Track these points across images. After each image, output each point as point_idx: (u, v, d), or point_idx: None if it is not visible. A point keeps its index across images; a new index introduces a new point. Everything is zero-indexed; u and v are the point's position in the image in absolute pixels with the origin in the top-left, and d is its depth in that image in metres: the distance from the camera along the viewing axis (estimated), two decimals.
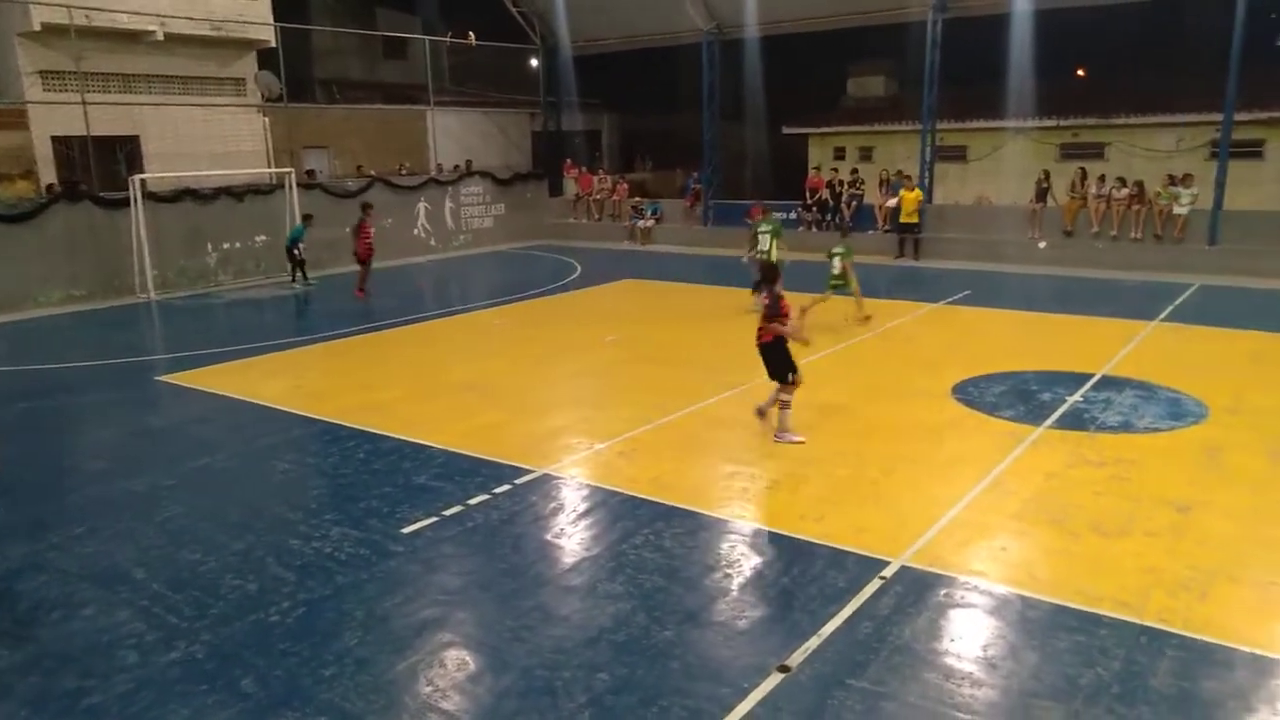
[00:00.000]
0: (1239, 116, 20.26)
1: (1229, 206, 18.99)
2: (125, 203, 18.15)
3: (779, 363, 8.81)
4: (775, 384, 8.88)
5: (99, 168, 18.99)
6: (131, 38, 19.28)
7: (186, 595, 6.00)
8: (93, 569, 6.44)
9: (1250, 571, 5.96)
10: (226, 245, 20.29)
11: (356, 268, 17.96)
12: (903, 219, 21.39)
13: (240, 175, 20.59)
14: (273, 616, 5.69)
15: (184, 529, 7.10)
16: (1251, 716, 4.52)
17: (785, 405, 8.82)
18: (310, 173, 22.65)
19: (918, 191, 21.39)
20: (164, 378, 11.90)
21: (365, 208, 18.41)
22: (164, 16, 19.28)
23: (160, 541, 6.88)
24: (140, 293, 18.46)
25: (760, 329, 8.87)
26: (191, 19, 19.69)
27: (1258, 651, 5.04)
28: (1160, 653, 5.06)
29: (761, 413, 9.10)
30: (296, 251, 19.33)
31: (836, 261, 13.81)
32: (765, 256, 14.29)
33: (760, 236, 14.84)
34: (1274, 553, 6.24)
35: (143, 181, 18.41)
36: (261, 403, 10.53)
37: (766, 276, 9.16)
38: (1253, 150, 23.42)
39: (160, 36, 19.33)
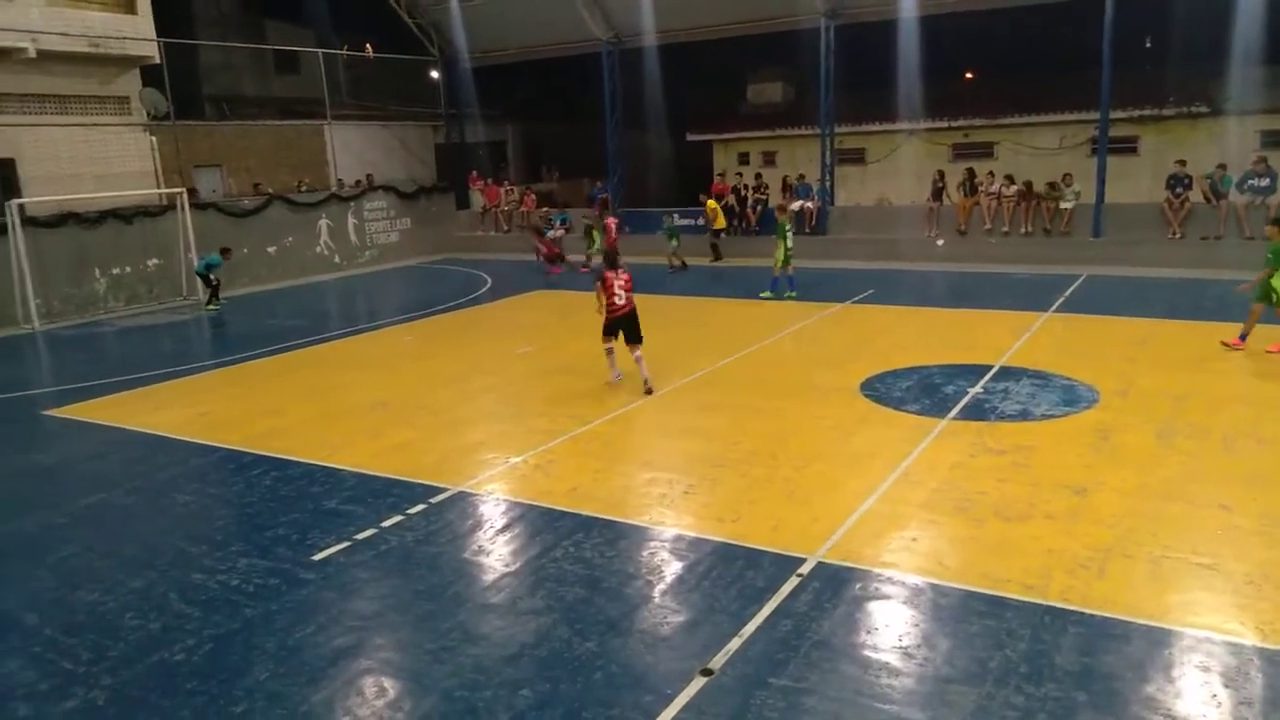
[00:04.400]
0: (1115, 115, 21.43)
1: (1109, 200, 20.01)
2: (2, 229, 17.19)
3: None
4: (633, 346, 10.79)
5: None
6: (1, 55, 18.27)
7: (83, 639, 5.70)
8: None
9: (1143, 547, 6.26)
10: (116, 270, 19.43)
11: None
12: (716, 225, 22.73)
13: (128, 197, 19.71)
14: (177, 655, 5.44)
15: (79, 569, 6.75)
16: (1148, 686, 4.75)
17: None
18: (193, 191, 21.80)
19: (713, 202, 22.93)
20: (52, 412, 11.30)
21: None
22: (36, 33, 18.30)
23: (53, 584, 6.52)
24: (24, 323, 17.50)
25: (629, 299, 10.80)
26: (66, 35, 18.75)
27: (1152, 623, 5.30)
28: (1063, 630, 5.27)
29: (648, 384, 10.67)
30: (212, 278, 18.89)
31: (790, 237, 16.66)
32: (791, 253, 16.71)
33: (789, 234, 16.64)
34: (1163, 528, 6.58)
35: (21, 206, 17.48)
36: (160, 433, 10.09)
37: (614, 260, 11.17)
38: (1128, 146, 24.72)
39: (33, 54, 18.34)
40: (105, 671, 5.30)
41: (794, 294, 16.50)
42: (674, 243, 21.05)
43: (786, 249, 16.49)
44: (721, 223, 22.68)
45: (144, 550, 7.04)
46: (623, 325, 10.86)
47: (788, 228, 16.72)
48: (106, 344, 16.30)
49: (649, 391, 10.59)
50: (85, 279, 18.96)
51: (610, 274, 10.87)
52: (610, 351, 11.10)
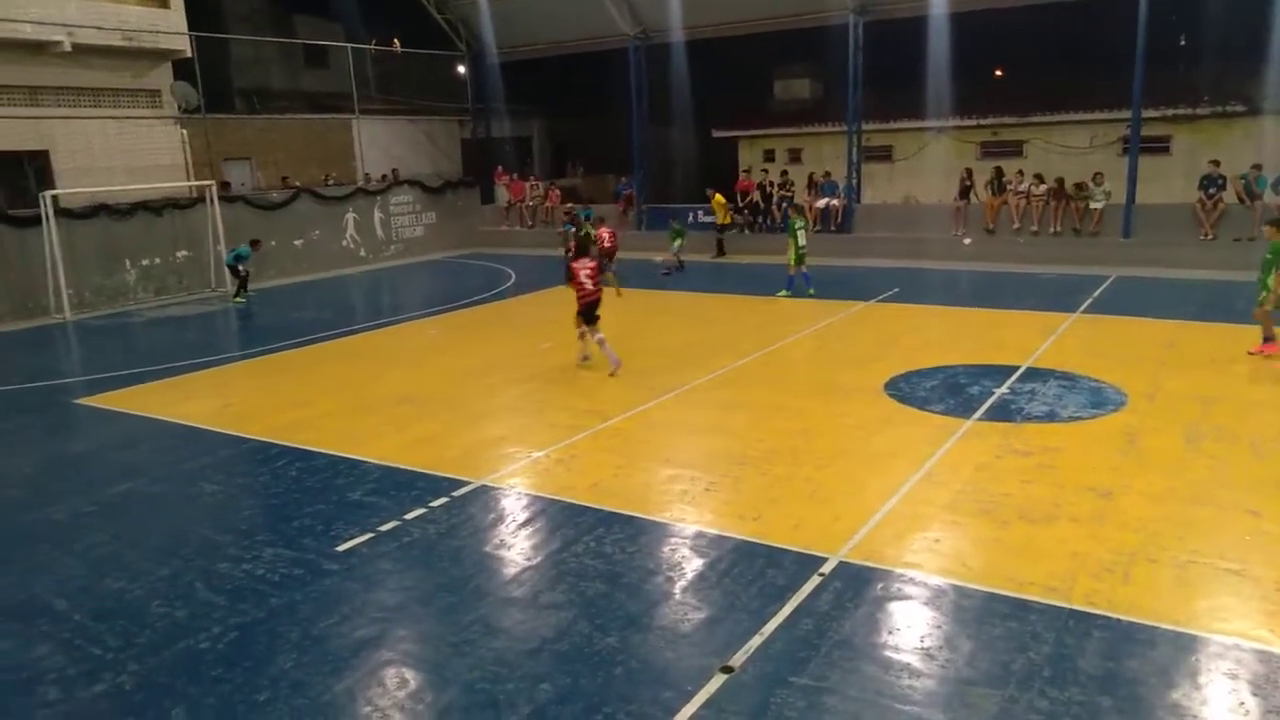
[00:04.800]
0: (1147, 114, 21.13)
1: (1140, 200, 19.74)
2: (36, 220, 17.48)
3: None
4: (593, 329, 11.81)
5: (6, 185, 18.23)
6: (37, 48, 18.55)
7: (111, 625, 5.79)
8: (8, 603, 6.17)
9: (1169, 552, 6.19)
10: (146, 261, 19.69)
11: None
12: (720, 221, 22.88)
13: (158, 189, 19.97)
14: (203, 643, 5.52)
15: (107, 557, 6.85)
16: (1173, 692, 4.69)
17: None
18: (226, 184, 22.08)
19: (719, 196, 22.96)
20: (83, 400, 11.48)
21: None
22: (71, 26, 18.58)
23: (81, 571, 6.63)
24: (55, 313, 17.79)
25: (597, 286, 11.94)
26: (101, 29, 19.01)
27: (1177, 629, 5.24)
28: (1087, 635, 5.22)
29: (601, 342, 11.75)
30: (241, 269, 19.03)
31: (802, 235, 16.60)
32: (804, 251, 16.74)
33: (799, 232, 16.70)
34: (1190, 532, 6.49)
35: (54, 198, 17.75)
36: (187, 423, 10.21)
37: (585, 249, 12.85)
38: (1160, 146, 24.37)
39: (68, 47, 18.64)
40: (132, 658, 5.38)
41: (812, 291, 16.45)
42: (677, 242, 20.92)
43: (799, 248, 16.50)
44: (726, 219, 22.75)
45: (171, 539, 7.14)
46: (589, 310, 11.85)
47: (799, 226, 16.71)
48: (136, 334, 16.52)
49: (614, 373, 11.46)
50: (116, 270, 19.22)
51: (575, 264, 12.02)
52: (582, 335, 12.02)
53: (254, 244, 19.36)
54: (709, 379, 11.13)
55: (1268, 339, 11.25)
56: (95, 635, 5.67)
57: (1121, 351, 11.81)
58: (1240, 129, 23.65)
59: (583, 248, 12.73)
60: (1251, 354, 11.24)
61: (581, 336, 11.99)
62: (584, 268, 11.91)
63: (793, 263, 16.57)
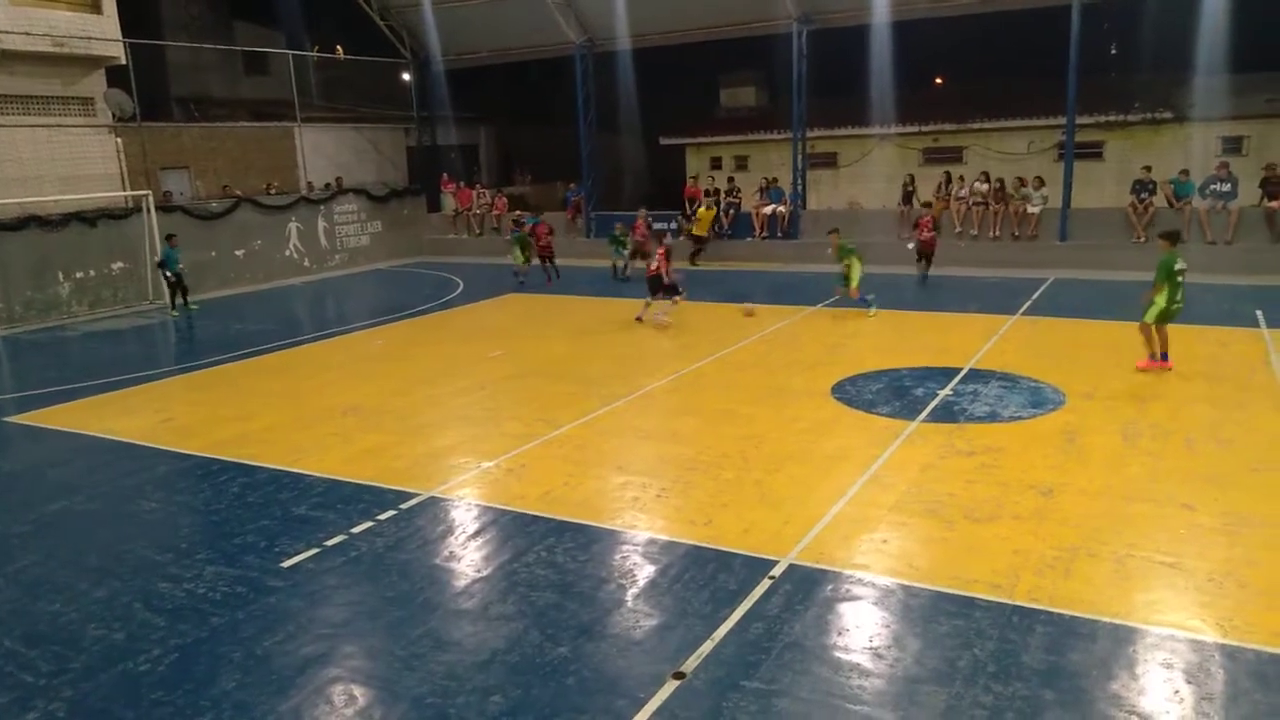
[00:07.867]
0: (1081, 121, 21.74)
1: (1076, 204, 20.29)
2: None
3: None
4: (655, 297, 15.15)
5: None
6: None
7: (44, 650, 5.59)
8: None
9: (1108, 546, 6.35)
10: (80, 274, 19.11)
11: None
12: (695, 231, 22.90)
13: (92, 199, 19.41)
14: (142, 665, 5.36)
15: (40, 579, 6.63)
16: (1113, 683, 4.81)
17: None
18: (168, 194, 21.55)
19: (713, 210, 23.24)
20: (13, 418, 11.10)
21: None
22: None
23: (13, 594, 6.40)
24: None
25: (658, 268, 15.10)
26: (30, 35, 18.42)
27: (1117, 621, 5.38)
28: (1031, 630, 5.33)
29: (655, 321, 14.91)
30: (168, 275, 18.46)
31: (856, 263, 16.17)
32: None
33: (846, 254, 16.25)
34: (1128, 527, 6.67)
35: None
36: (125, 440, 9.93)
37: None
38: (1094, 152, 25.04)
39: None
40: (67, 683, 5.21)
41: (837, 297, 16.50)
42: (620, 249, 20.83)
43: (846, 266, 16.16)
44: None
45: (108, 559, 6.93)
46: (652, 284, 15.12)
47: (850, 247, 16.07)
48: (70, 349, 16.03)
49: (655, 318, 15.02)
50: (48, 283, 18.63)
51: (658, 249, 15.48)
52: (647, 304, 15.24)
53: (169, 239, 18.59)
54: (660, 385, 11.16)
55: (1156, 355, 10.96)
56: (27, 661, 5.47)
57: (1060, 352, 12.11)
58: (1169, 135, 24.40)
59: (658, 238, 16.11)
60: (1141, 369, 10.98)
61: (648, 304, 15.17)
62: (656, 253, 15.41)
63: (858, 280, 16.28)
